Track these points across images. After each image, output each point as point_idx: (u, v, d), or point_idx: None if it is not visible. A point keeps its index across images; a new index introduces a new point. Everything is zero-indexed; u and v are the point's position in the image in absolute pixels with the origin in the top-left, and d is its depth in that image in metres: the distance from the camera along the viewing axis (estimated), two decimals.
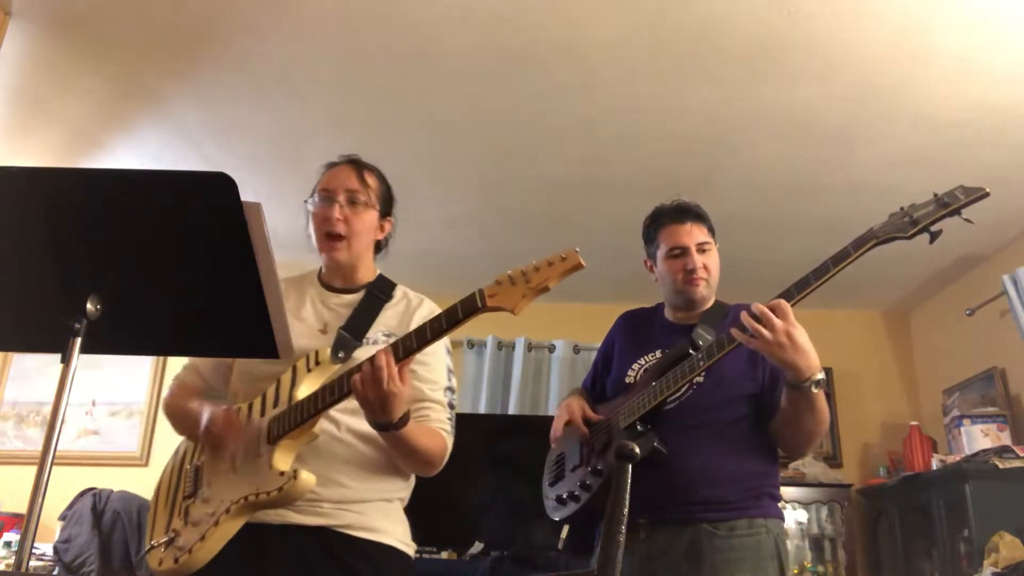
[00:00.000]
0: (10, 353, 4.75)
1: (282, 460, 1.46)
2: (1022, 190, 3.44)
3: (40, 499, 1.07)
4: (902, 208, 1.63)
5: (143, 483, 4.08)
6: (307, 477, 1.42)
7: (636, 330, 2.03)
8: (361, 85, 2.99)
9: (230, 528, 1.44)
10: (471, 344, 4.86)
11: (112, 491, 3.97)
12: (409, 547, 1.61)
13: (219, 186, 1.11)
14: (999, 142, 3.14)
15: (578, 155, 3.42)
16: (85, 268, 1.17)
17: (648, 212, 2.01)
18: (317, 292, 1.71)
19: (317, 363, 1.54)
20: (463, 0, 2.52)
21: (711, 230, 1.93)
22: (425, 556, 3.74)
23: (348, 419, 1.55)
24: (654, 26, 2.60)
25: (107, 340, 1.18)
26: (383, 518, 1.57)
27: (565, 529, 1.93)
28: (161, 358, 4.72)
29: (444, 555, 3.86)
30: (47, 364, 4.60)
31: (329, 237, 1.65)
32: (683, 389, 1.75)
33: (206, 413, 1.54)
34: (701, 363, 1.69)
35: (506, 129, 3.25)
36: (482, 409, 4.66)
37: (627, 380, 1.89)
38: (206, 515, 1.46)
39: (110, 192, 1.17)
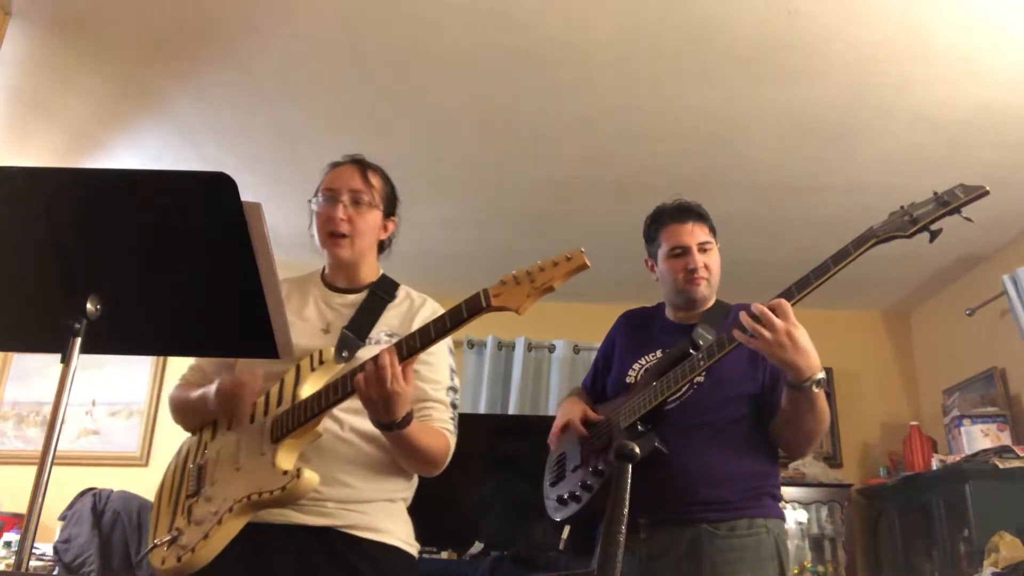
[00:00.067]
0: (10, 353, 4.74)
1: (285, 459, 1.46)
2: (1022, 190, 3.44)
3: (40, 499, 1.07)
4: (902, 207, 1.63)
5: (143, 483, 4.08)
6: (310, 476, 1.42)
7: (637, 330, 2.03)
8: (361, 85, 2.99)
9: (233, 527, 1.44)
10: (471, 344, 4.86)
11: (112, 491, 3.97)
12: (412, 547, 1.61)
13: (219, 186, 1.11)
14: (999, 142, 3.14)
15: (578, 155, 3.42)
16: (85, 268, 1.17)
17: (648, 212, 2.01)
18: (320, 292, 1.71)
19: (321, 362, 1.54)
20: (463, 0, 2.53)
21: (712, 230, 1.93)
22: (425, 556, 3.74)
23: (351, 418, 1.55)
24: (654, 26, 2.60)
25: (107, 340, 1.18)
26: (387, 518, 1.57)
27: (566, 529, 1.93)
28: (161, 358, 4.72)
29: (444, 555, 3.86)
30: (47, 364, 4.59)
31: (333, 235, 1.65)
32: (684, 389, 1.75)
33: (213, 385, 1.55)
34: (701, 363, 1.69)
35: (506, 129, 3.25)
36: (482, 409, 4.66)
37: (628, 380, 1.89)
38: (209, 514, 1.46)
39: (110, 192, 1.17)
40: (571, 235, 4.04)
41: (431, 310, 1.68)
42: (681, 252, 1.89)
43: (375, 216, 1.70)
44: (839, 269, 1.61)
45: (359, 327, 1.62)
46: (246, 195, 1.11)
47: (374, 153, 1.80)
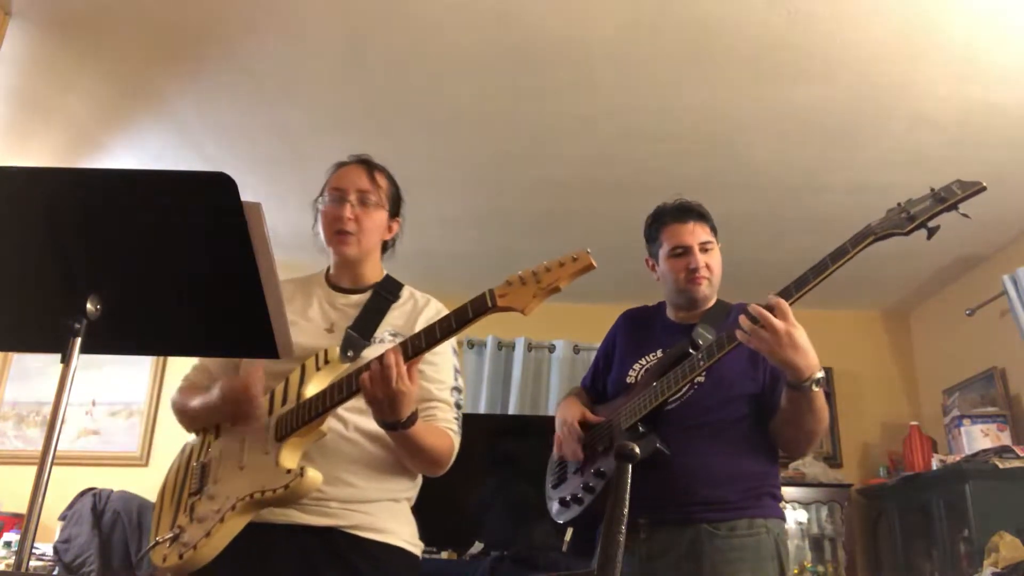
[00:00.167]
0: (10, 353, 4.74)
1: (289, 458, 1.45)
2: (1022, 190, 3.44)
3: (40, 499, 1.07)
4: (899, 204, 1.62)
5: (143, 483, 4.09)
6: (314, 475, 1.42)
7: (637, 329, 2.02)
8: (361, 85, 2.99)
9: (235, 525, 1.43)
10: (471, 344, 4.86)
11: (112, 491, 3.97)
12: (416, 547, 1.61)
13: (219, 186, 1.11)
14: (999, 142, 3.14)
15: (578, 155, 3.42)
16: (85, 268, 1.17)
17: (648, 212, 2.01)
18: (324, 292, 1.72)
19: (326, 362, 1.54)
20: (463, 0, 2.52)
21: (713, 229, 1.93)
22: (425, 556, 3.74)
23: (356, 418, 1.55)
24: (654, 26, 2.60)
25: (107, 340, 1.18)
26: (390, 518, 1.57)
27: (569, 531, 1.93)
28: (161, 358, 4.72)
29: (444, 555, 3.86)
30: (47, 364, 4.59)
31: (340, 233, 1.66)
32: (684, 389, 1.75)
33: (217, 387, 1.55)
34: (701, 363, 1.69)
35: (506, 129, 3.25)
36: (482, 409, 4.67)
37: (628, 380, 1.89)
38: (211, 512, 1.46)
39: (110, 192, 1.17)
40: (571, 235, 4.05)
41: (435, 310, 1.68)
42: (682, 252, 1.89)
43: (381, 216, 1.70)
44: (837, 267, 1.61)
45: (364, 327, 1.62)
46: (246, 195, 1.11)
47: (374, 153, 1.81)
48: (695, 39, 2.66)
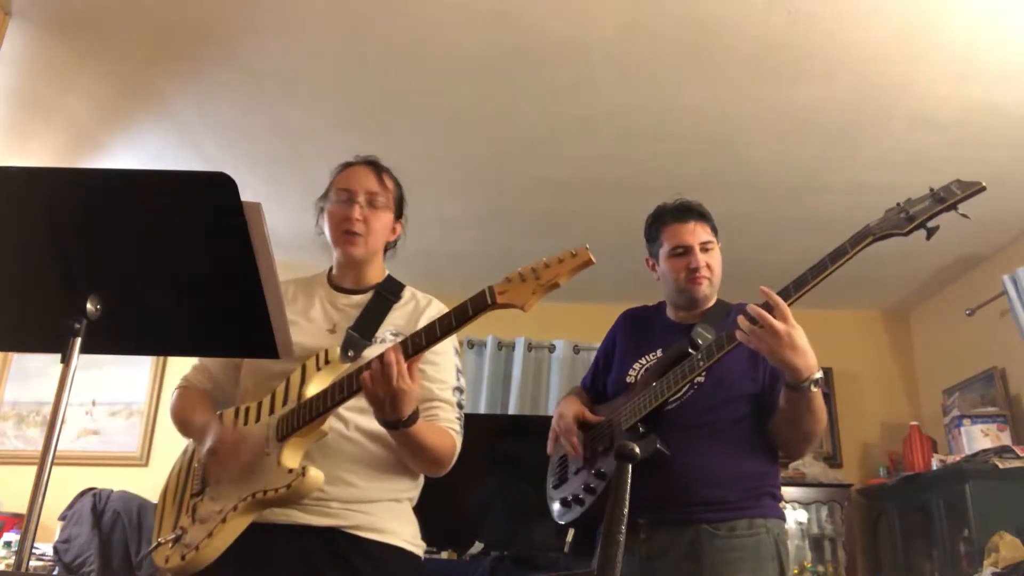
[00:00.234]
0: (10, 353, 4.74)
1: (291, 458, 1.45)
2: (1022, 190, 3.44)
3: (40, 499, 1.07)
4: (898, 204, 1.62)
5: (143, 483, 4.09)
6: (316, 474, 1.42)
7: (637, 329, 2.02)
8: (361, 85, 2.99)
9: (238, 525, 1.43)
10: (471, 344, 4.87)
11: (112, 491, 3.97)
12: (418, 547, 1.61)
13: (219, 186, 1.11)
14: (999, 142, 3.14)
15: (578, 155, 3.42)
16: (85, 268, 1.17)
17: (648, 212, 2.01)
18: (326, 293, 1.72)
19: (327, 362, 1.54)
20: (463, 0, 2.53)
21: (714, 229, 1.93)
22: (425, 556, 3.74)
23: (357, 418, 1.55)
24: (655, 26, 2.60)
25: (107, 340, 1.18)
26: (392, 519, 1.57)
27: (571, 532, 1.93)
28: (161, 358, 4.72)
29: (444, 555, 3.86)
30: (47, 364, 4.59)
31: (348, 233, 1.66)
32: (684, 389, 1.75)
33: (210, 437, 1.53)
34: (701, 363, 1.69)
35: (506, 128, 3.25)
36: (482, 409, 4.66)
37: (628, 379, 1.89)
38: (214, 512, 1.46)
39: (110, 192, 1.17)
40: (571, 235, 4.04)
41: (436, 311, 1.68)
42: (683, 251, 1.89)
43: (388, 218, 1.71)
44: (836, 267, 1.60)
45: (365, 327, 1.62)
46: (246, 195, 1.11)
47: (374, 153, 1.81)
48: (695, 39, 2.66)
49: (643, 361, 1.90)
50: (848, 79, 2.81)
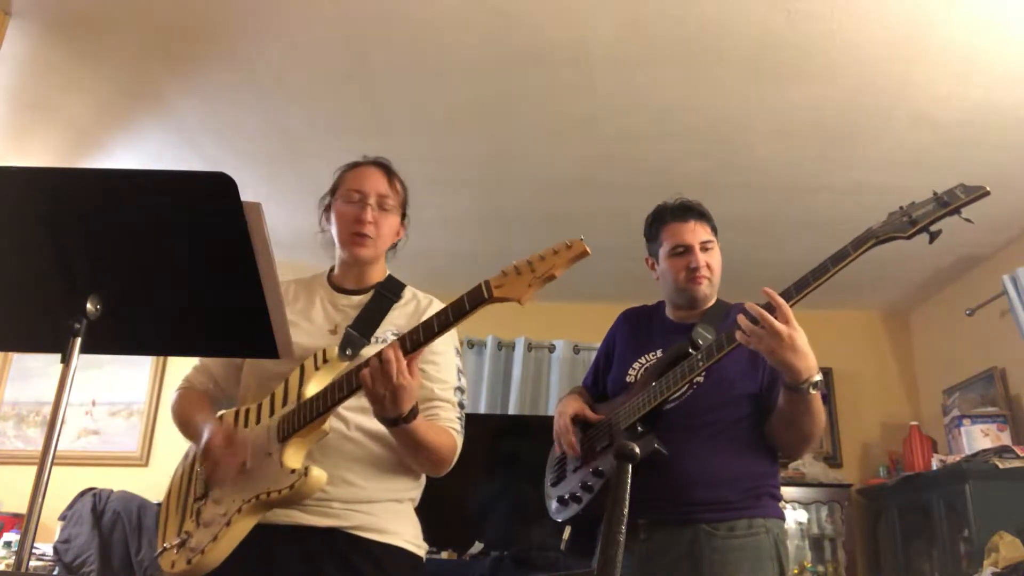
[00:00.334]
0: (10, 353, 4.74)
1: (293, 458, 1.45)
2: (1022, 190, 3.44)
3: (40, 499, 1.07)
4: (901, 207, 1.62)
5: (143, 483, 4.09)
6: (318, 474, 1.42)
7: (637, 328, 2.02)
8: (361, 85, 2.99)
9: (242, 528, 1.43)
10: (471, 344, 4.87)
11: (112, 491, 3.97)
12: (420, 548, 1.61)
13: (219, 186, 1.11)
14: (999, 142, 3.14)
15: (578, 154, 3.42)
16: (85, 268, 1.17)
17: (648, 212, 2.01)
18: (326, 293, 1.72)
19: (325, 361, 1.54)
20: (463, 0, 2.53)
21: (714, 229, 1.94)
22: (425, 556, 3.74)
23: (358, 417, 1.55)
24: (654, 26, 2.60)
25: (107, 340, 1.18)
26: (393, 519, 1.56)
27: (567, 530, 1.93)
28: (161, 358, 4.72)
29: (444, 555, 3.86)
30: (47, 364, 4.60)
31: (358, 235, 1.66)
32: (683, 389, 1.75)
33: (204, 435, 1.53)
34: (700, 363, 1.69)
35: (507, 128, 3.25)
36: (482, 409, 4.66)
37: (628, 379, 1.89)
38: (218, 516, 1.46)
39: (110, 192, 1.17)
40: (571, 234, 3.96)
41: (437, 311, 1.68)
42: (683, 251, 1.89)
43: (395, 220, 1.72)
44: (838, 270, 1.61)
45: (364, 326, 1.62)
46: (246, 195, 1.11)
47: (374, 153, 1.81)
48: (695, 39, 2.65)
49: (642, 360, 1.90)
50: (848, 79, 2.81)
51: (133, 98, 3.13)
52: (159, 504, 1.64)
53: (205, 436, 1.51)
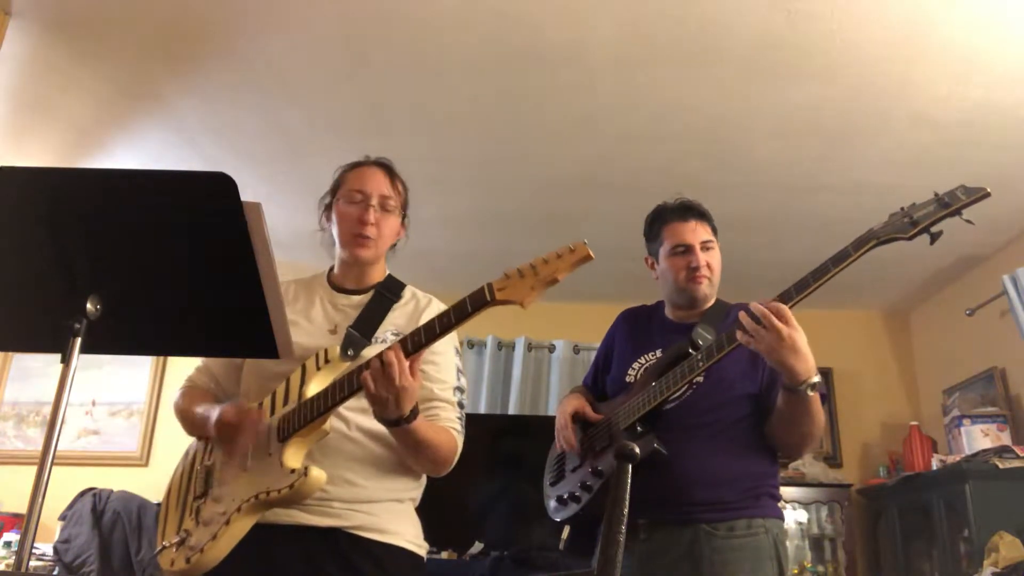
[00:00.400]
0: (10, 353, 4.75)
1: (293, 458, 1.45)
2: (1022, 190, 3.44)
3: (40, 499, 1.07)
4: (902, 208, 1.62)
5: (143, 483, 4.09)
6: (318, 474, 1.42)
7: (636, 328, 2.03)
8: (361, 85, 2.99)
9: (241, 527, 1.43)
10: (471, 344, 4.87)
11: (112, 491, 3.97)
12: (421, 548, 1.61)
13: (219, 186, 1.11)
14: (999, 142, 3.14)
15: (578, 154, 3.42)
16: (85, 268, 1.17)
17: (648, 212, 2.01)
18: (326, 293, 1.72)
19: (327, 361, 1.54)
20: (463, 0, 2.53)
21: (714, 229, 1.94)
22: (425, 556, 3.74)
23: (358, 417, 1.55)
24: (655, 26, 2.60)
25: (107, 340, 1.18)
26: (394, 518, 1.56)
27: (566, 530, 1.93)
28: (161, 358, 4.72)
29: (444, 555, 3.86)
30: (47, 364, 4.60)
31: (360, 236, 1.65)
32: (683, 389, 1.75)
33: (215, 411, 1.53)
34: (700, 364, 1.69)
35: (506, 128, 3.25)
36: (482, 409, 4.66)
37: (627, 379, 1.90)
38: (217, 514, 1.46)
39: (110, 192, 1.17)
40: (571, 235, 3.98)
41: (436, 310, 1.68)
42: (684, 250, 1.89)
43: (396, 221, 1.72)
44: (838, 271, 1.61)
45: (365, 326, 1.62)
46: (246, 195, 1.11)
47: (374, 152, 1.81)
48: (695, 39, 2.65)
49: (642, 360, 1.90)
50: (848, 79, 2.81)
51: (133, 98, 3.13)
52: (159, 504, 1.65)
53: (216, 412, 1.52)
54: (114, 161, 3.51)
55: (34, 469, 1.09)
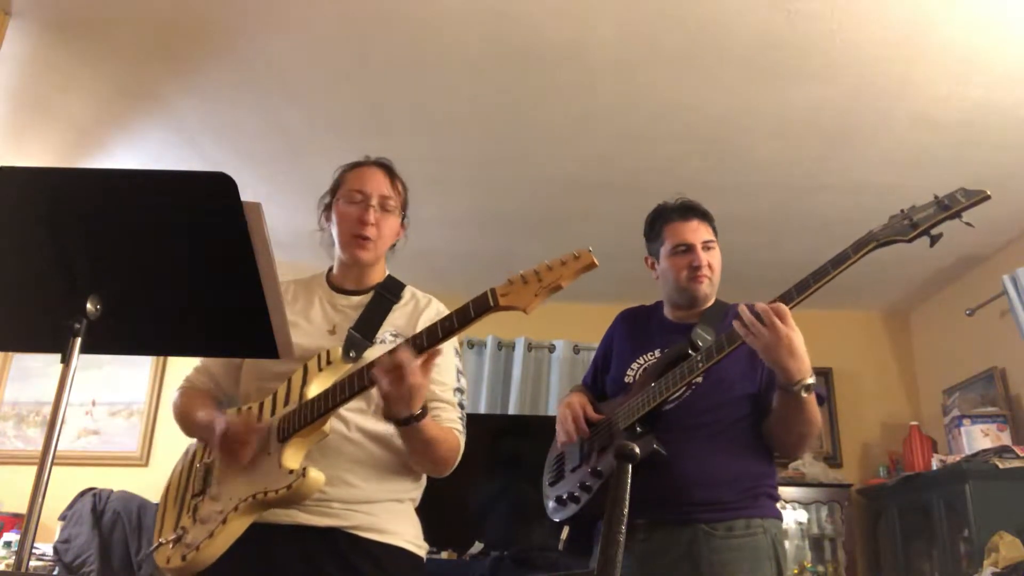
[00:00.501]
0: (10, 353, 4.74)
1: (292, 458, 1.45)
2: (1022, 190, 3.44)
3: (40, 499, 1.07)
4: (902, 210, 1.63)
5: (143, 483, 4.09)
6: (316, 475, 1.42)
7: (635, 329, 2.03)
8: (361, 85, 2.99)
9: (238, 526, 1.43)
10: (471, 344, 4.87)
11: (112, 491, 3.97)
12: (420, 548, 1.61)
13: (219, 186, 1.11)
14: (999, 142, 3.14)
15: (578, 155, 3.42)
16: (85, 268, 1.17)
17: (648, 212, 2.02)
18: (325, 293, 1.71)
19: (328, 362, 1.54)
20: (463, 0, 2.53)
21: (715, 229, 1.94)
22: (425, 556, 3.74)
23: (358, 418, 1.55)
24: (654, 26, 2.60)
25: (107, 340, 1.18)
26: (393, 519, 1.56)
27: (565, 530, 1.93)
28: (161, 358, 4.72)
29: (444, 555, 3.86)
30: (47, 364, 4.60)
31: (360, 237, 1.65)
32: (682, 390, 1.75)
33: (220, 422, 1.52)
34: (700, 365, 1.69)
35: (506, 129, 3.25)
36: (482, 409, 4.66)
37: (626, 379, 1.90)
38: (214, 513, 1.46)
39: (110, 192, 1.17)
40: (571, 235, 4.05)
41: (436, 311, 1.69)
42: (685, 249, 1.89)
43: (396, 222, 1.72)
44: (838, 273, 1.62)
45: (365, 328, 1.62)
46: (246, 195, 1.11)
47: (374, 152, 1.81)
48: (695, 39, 2.65)
49: (641, 361, 1.90)
50: (848, 79, 2.81)
51: (133, 98, 3.13)
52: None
53: (221, 425, 1.50)
54: (114, 161, 3.51)
55: (34, 469, 1.09)
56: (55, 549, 3.80)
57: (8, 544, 3.96)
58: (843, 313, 4.84)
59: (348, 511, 1.51)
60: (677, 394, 1.75)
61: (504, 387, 4.82)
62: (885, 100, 2.93)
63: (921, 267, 4.32)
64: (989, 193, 1.57)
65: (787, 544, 4.23)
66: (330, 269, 1.77)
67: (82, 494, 3.96)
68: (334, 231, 1.71)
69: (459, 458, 1.60)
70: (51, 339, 1.13)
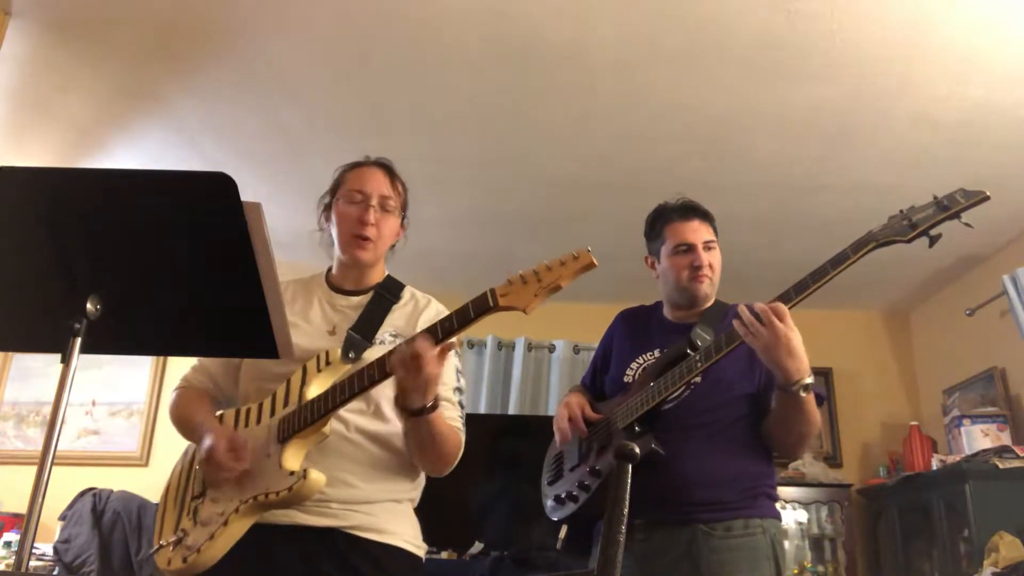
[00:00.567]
0: (10, 353, 4.74)
1: (292, 459, 1.45)
2: (1022, 190, 3.44)
3: (40, 499, 1.07)
4: (901, 211, 1.63)
5: (143, 483, 4.09)
6: (317, 476, 1.42)
7: (634, 329, 2.03)
8: (361, 85, 2.99)
9: (239, 528, 1.43)
10: (471, 344, 4.86)
11: (112, 491, 3.97)
12: (419, 548, 1.61)
13: (219, 186, 1.11)
14: (999, 142, 3.14)
15: (578, 155, 3.42)
16: (85, 268, 1.17)
17: (648, 212, 2.02)
18: (324, 294, 1.71)
19: (328, 363, 1.54)
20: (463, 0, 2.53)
21: (715, 229, 1.95)
22: (425, 556, 3.74)
23: (357, 419, 1.55)
24: (654, 26, 2.60)
25: (107, 340, 1.18)
26: (392, 519, 1.56)
27: (563, 529, 1.93)
28: (161, 358, 4.72)
29: (444, 555, 3.86)
30: (47, 364, 4.60)
31: (359, 238, 1.65)
32: (681, 390, 1.76)
33: (208, 437, 1.51)
34: (699, 365, 1.69)
35: (506, 129, 3.25)
36: (482, 409, 4.66)
37: (625, 379, 1.90)
38: (215, 515, 1.46)
39: (110, 192, 1.17)
40: (571, 235, 4.04)
41: (435, 311, 1.69)
42: (686, 249, 1.89)
43: (396, 222, 1.72)
44: (837, 273, 1.62)
45: (365, 328, 1.62)
46: (246, 195, 1.11)
47: (374, 152, 1.81)
48: (695, 40, 2.65)
49: (640, 361, 1.91)
50: (848, 79, 2.81)
51: (133, 98, 3.14)
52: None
53: (208, 442, 1.50)
54: (114, 161, 3.51)
55: (34, 469, 1.09)
56: (55, 549, 3.80)
57: (8, 544, 3.96)
58: (843, 313, 4.84)
59: (347, 511, 1.51)
60: (676, 394, 1.75)
61: (504, 387, 4.82)
62: (885, 100, 2.93)
63: (921, 267, 4.32)
64: (988, 194, 1.57)
65: (787, 544, 4.24)
66: (329, 269, 1.77)
67: (82, 494, 3.96)
68: (334, 231, 1.71)
69: (459, 456, 1.60)
70: (51, 339, 1.13)
